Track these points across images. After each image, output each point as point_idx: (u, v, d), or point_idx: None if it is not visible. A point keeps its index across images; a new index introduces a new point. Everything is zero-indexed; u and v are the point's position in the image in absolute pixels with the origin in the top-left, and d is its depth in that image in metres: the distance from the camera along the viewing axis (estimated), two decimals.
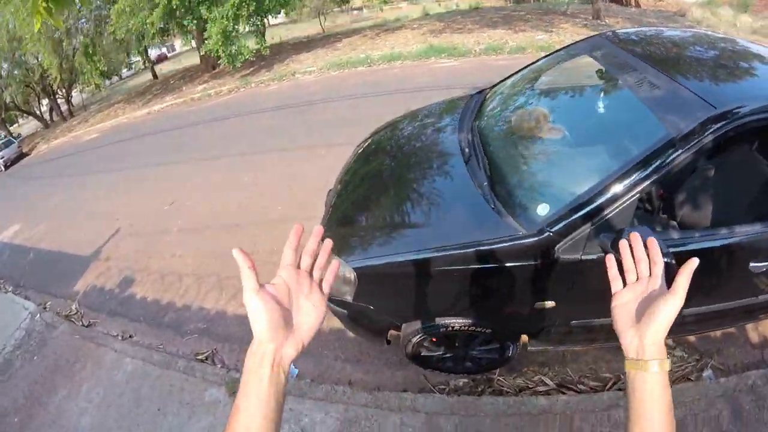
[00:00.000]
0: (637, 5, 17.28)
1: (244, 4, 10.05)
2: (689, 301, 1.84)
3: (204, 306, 3.30)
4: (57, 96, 18.32)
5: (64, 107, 18.67)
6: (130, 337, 3.15)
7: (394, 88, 7.89)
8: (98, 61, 12.95)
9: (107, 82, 18.64)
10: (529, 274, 1.75)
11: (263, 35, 11.62)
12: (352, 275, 1.91)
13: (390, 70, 9.34)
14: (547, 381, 2.42)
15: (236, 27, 10.45)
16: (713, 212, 2.04)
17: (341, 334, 2.79)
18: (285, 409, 1.60)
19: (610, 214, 1.60)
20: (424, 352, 2.29)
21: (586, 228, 1.63)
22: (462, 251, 1.77)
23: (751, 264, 1.93)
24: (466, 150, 2.27)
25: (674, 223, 2.24)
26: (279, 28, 19.95)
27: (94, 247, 4.53)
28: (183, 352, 2.94)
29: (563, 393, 2.34)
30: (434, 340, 2.21)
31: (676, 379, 2.52)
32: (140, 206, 5.26)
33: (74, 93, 18.85)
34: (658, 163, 1.63)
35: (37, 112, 18.99)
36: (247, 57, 10.70)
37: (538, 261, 1.70)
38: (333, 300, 2.08)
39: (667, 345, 2.24)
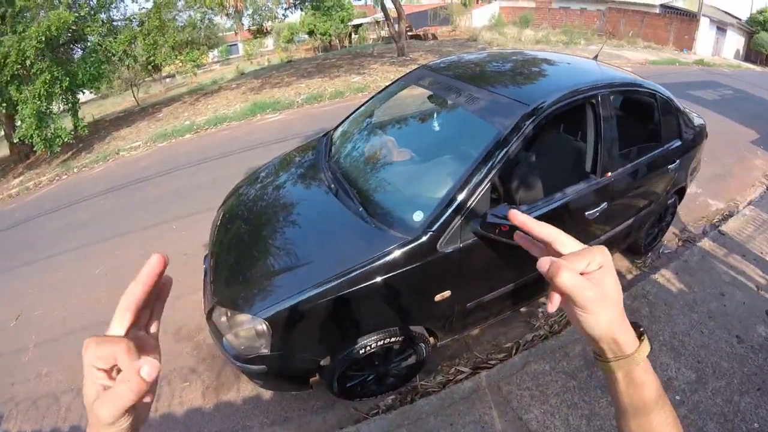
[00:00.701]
0: (435, 38, 19.77)
1: (56, 80, 9.05)
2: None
3: None
4: None
5: None
6: None
7: (227, 150, 7.87)
8: None
9: None
10: (423, 272, 2.00)
11: (77, 114, 10.57)
12: (263, 326, 1.92)
13: (218, 133, 9.22)
14: (463, 369, 2.71)
15: (50, 107, 9.32)
16: (544, 185, 2.52)
17: (257, 399, 2.73)
18: None
19: (473, 204, 1.92)
20: (349, 384, 2.36)
21: (458, 220, 1.93)
22: (361, 270, 1.93)
23: (586, 213, 2.50)
24: (332, 185, 2.48)
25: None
26: (89, 105, 18.17)
27: None
28: None
29: (480, 372, 2.63)
30: (355, 367, 2.29)
31: (561, 328, 3.00)
32: None
33: None
34: (497, 154, 2.02)
35: None
36: (65, 139, 9.57)
37: (427, 259, 1.94)
38: (247, 360, 2.05)
39: (543, 303, 2.67)
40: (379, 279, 1.94)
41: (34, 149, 9.73)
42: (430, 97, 2.93)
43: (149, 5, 10.58)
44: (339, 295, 1.93)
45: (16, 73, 8.72)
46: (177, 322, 3.40)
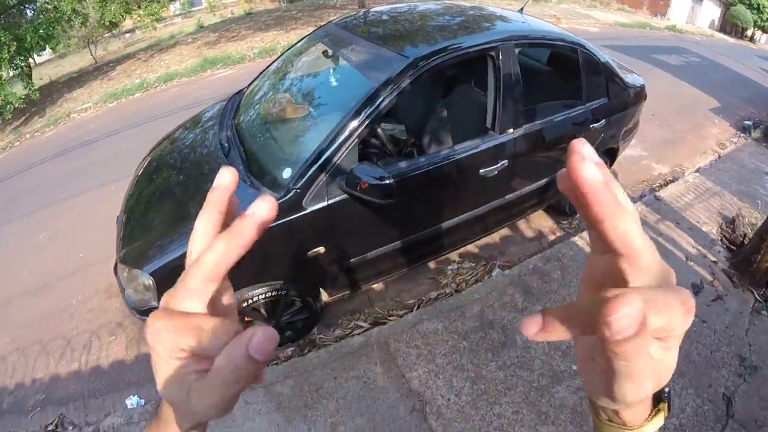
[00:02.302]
0: None
1: (3, 45, 8.82)
2: (457, 210, 2.74)
3: (37, 377, 3.13)
4: None
5: None
6: None
7: (174, 107, 7.86)
8: None
9: None
10: (290, 228, 2.08)
11: (30, 77, 10.31)
12: (149, 281, 2.05)
13: (168, 90, 9.15)
14: (361, 324, 2.83)
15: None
16: (440, 140, 2.60)
17: None
18: None
19: (339, 161, 2.01)
20: None
21: (323, 177, 2.01)
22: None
23: (481, 171, 2.59)
24: (225, 145, 2.56)
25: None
26: (46, 66, 17.58)
27: None
28: (33, 430, 2.78)
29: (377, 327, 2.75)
30: (247, 319, 2.41)
31: (469, 285, 3.08)
32: None
33: None
34: (367, 110, 2.09)
35: None
36: (16, 105, 9.42)
37: (292, 215, 2.04)
38: (142, 312, 2.20)
39: (454, 261, 2.99)
40: None
41: None
42: (325, 54, 2.96)
43: None
44: None
45: None
46: (109, 279, 3.52)
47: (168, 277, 2.06)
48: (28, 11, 10.61)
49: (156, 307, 1.64)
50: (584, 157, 0.30)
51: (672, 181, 4.86)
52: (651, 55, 10.60)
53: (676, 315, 0.31)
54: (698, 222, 3.93)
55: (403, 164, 2.35)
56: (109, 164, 6.27)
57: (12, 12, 10.13)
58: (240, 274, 2.18)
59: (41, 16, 9.86)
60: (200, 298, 0.35)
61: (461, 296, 2.92)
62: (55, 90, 12.28)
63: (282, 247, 2.17)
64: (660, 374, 0.34)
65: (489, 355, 2.54)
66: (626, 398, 0.34)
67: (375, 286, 3.08)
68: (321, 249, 2.18)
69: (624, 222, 0.30)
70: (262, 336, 0.32)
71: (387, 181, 1.99)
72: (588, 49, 3.06)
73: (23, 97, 9.71)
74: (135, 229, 2.47)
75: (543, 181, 3.14)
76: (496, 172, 2.64)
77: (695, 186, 4.73)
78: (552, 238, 3.74)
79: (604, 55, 3.29)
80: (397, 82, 2.18)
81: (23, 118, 10.29)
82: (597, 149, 2.94)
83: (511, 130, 2.64)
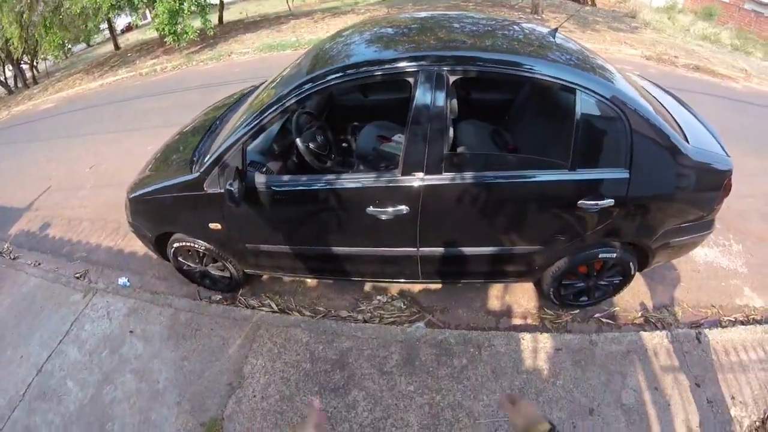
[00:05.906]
0: (593, 4, 17.95)
1: None
2: (350, 241, 3.02)
3: (89, 241, 4.88)
4: (22, 63, 19.42)
5: (29, 73, 19.82)
6: (38, 264, 4.66)
7: None
8: (54, 33, 14.07)
9: (77, 48, 19.98)
10: (193, 202, 2.91)
11: (206, 16, 12.73)
12: (126, 201, 3.29)
13: None
14: (273, 305, 3.55)
15: (182, 6, 11.65)
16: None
17: (158, 260, 3.94)
18: (121, 307, 3.47)
19: (227, 159, 2.66)
20: (185, 267, 3.48)
21: (216, 169, 2.72)
22: (167, 187, 3.00)
23: (368, 209, 2.62)
24: (209, 127, 3.49)
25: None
26: (251, 2, 21.18)
27: (28, 201, 6.09)
28: (68, 272, 4.39)
29: (279, 314, 3.43)
30: (190, 252, 3.35)
31: (383, 322, 3.31)
32: (70, 168, 6.89)
33: (39, 60, 19.94)
34: (258, 117, 2.60)
35: (1, 79, 20.10)
36: (191, 36, 11.94)
37: (194, 192, 2.84)
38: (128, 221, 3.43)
39: (388, 293, 3.74)
40: (177, 194, 2.94)
41: (165, 41, 12.18)
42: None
43: None
44: (157, 198, 3.07)
45: None
46: None
47: (134, 204, 3.25)
48: None
49: (130, 222, 3.40)
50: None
51: (757, 323, 3.35)
52: None
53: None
54: (733, 396, 2.70)
55: (285, 178, 2.79)
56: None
57: None
58: (169, 220, 3.18)
59: None
60: None
61: (347, 326, 3.19)
62: (234, 29, 14.98)
63: (190, 214, 3.02)
64: None
65: (315, 389, 2.81)
66: None
67: (309, 281, 3.74)
68: (218, 226, 2.94)
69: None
70: None
71: (228, 188, 2.46)
72: (601, 91, 2.31)
73: (197, 31, 12.10)
74: (150, 168, 3.54)
75: (487, 249, 2.82)
76: (388, 217, 2.60)
77: None
78: (517, 322, 3.29)
79: (643, 105, 2.41)
80: (283, 101, 2.55)
81: (198, 47, 12.93)
82: (593, 237, 2.76)
83: (420, 174, 2.48)
